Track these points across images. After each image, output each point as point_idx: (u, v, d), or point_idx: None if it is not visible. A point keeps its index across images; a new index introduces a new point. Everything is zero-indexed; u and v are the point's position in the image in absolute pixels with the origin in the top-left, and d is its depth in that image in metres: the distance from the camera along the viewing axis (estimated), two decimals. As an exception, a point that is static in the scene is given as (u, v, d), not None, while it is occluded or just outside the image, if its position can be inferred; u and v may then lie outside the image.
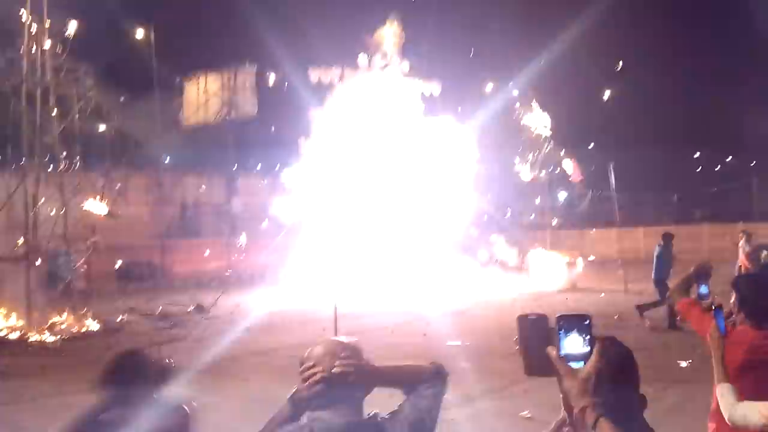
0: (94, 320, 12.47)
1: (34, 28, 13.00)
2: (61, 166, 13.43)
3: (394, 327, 11.65)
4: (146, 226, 25.54)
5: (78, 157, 14.34)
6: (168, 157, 27.88)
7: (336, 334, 10.09)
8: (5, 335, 11.53)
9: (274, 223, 26.44)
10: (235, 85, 28.59)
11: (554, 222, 28.08)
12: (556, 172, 30.44)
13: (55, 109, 13.40)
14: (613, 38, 28.10)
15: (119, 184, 19.22)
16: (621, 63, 26.90)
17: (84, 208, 13.88)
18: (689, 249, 23.87)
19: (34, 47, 13.12)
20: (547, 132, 29.01)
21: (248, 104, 27.65)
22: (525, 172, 28.12)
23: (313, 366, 1.88)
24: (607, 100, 26.72)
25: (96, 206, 14.36)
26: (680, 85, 29.84)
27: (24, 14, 12.85)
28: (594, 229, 26.10)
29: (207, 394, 7.26)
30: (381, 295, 17.94)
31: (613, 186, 17.29)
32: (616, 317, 11.62)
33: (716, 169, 31.86)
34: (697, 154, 31.43)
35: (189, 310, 14.72)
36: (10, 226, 12.96)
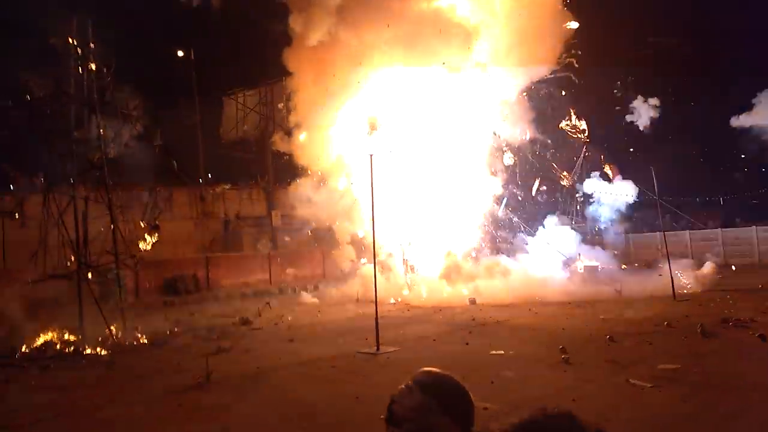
0: (144, 334, 12.83)
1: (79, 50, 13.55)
2: (109, 184, 13.89)
3: (436, 336, 11.60)
4: (190, 240, 26.19)
5: (124, 175, 14.84)
6: (209, 174, 28.58)
7: (378, 346, 10.15)
8: (61, 349, 11.95)
9: (314, 234, 26.78)
10: (273, 100, 29.14)
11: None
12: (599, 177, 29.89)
13: (101, 129, 13.89)
14: (652, 41, 27.58)
15: (163, 201, 19.78)
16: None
17: (130, 225, 14.32)
18: (740, 253, 23.19)
19: (81, 69, 13.65)
20: (584, 137, 28.61)
21: (284, 118, 28.10)
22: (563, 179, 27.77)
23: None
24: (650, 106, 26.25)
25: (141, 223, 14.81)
26: (720, 87, 28.95)
27: (70, 37, 13.40)
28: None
29: (252, 404, 7.41)
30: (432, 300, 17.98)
31: (656, 190, 16.94)
32: (665, 324, 11.30)
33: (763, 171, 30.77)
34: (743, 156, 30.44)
35: (234, 321, 14.98)
36: (62, 243, 13.45)
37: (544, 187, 25.81)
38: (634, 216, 26.76)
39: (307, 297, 19.83)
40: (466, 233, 20.95)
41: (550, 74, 22.58)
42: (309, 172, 22.71)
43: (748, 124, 21.73)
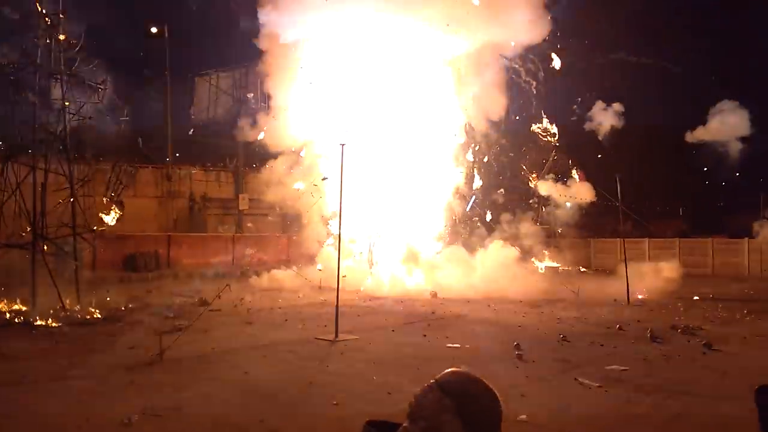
0: (98, 308, 12.59)
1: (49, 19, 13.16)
2: (71, 157, 13.55)
3: (395, 327, 11.69)
4: (154, 218, 25.76)
5: (87, 149, 14.49)
6: (177, 153, 28.11)
7: (337, 334, 10.19)
8: (11, 319, 11.65)
9: (279, 218, 26.64)
10: (246, 83, 28.79)
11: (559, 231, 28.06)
12: (565, 181, 30.42)
13: (67, 102, 13.53)
14: (623, 42, 28.08)
15: (127, 176, 19.39)
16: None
17: (91, 199, 14.01)
18: (694, 263, 23.91)
19: (49, 39, 13.26)
20: (554, 140, 29.09)
21: (257, 102, 27.82)
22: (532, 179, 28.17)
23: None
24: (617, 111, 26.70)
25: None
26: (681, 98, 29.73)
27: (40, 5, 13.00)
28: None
29: (206, 384, 7.37)
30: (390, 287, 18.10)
31: (619, 197, 17.34)
32: (617, 327, 11.61)
33: (723, 185, 31.76)
34: (705, 169, 31.33)
35: (192, 302, 14.81)
36: (18, 214, 13.09)
37: (501, 190, 26.03)
38: (595, 221, 27.33)
39: (262, 281, 19.68)
40: (428, 224, 21.20)
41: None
42: (277, 158, 22.53)
43: (704, 138, 22.21)
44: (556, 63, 24.12)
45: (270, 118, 22.64)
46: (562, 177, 30.68)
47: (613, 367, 8.33)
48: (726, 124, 21.60)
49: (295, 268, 20.27)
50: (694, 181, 32.29)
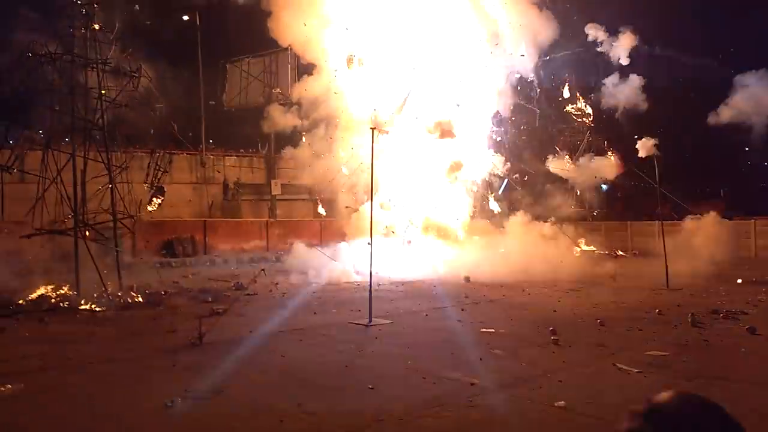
0: (139, 293, 12.92)
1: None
2: (108, 144, 13.83)
3: (429, 311, 11.69)
4: (189, 204, 26.25)
5: (125, 136, 14.77)
6: (211, 140, 28.51)
7: (371, 318, 10.25)
8: (57, 303, 12.05)
9: (313, 202, 26.85)
10: (277, 69, 28.89)
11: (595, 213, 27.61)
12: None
13: (103, 90, 13.78)
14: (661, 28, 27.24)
15: (163, 163, 19.72)
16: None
17: (130, 185, 14.31)
18: (736, 246, 23.21)
19: (85, 28, 13.50)
20: (588, 121, 28.51)
21: (287, 87, 27.93)
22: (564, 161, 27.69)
23: None
24: (655, 91, 25.91)
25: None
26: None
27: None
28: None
29: (244, 367, 7.50)
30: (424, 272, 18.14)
31: (657, 178, 16.82)
32: (657, 311, 11.39)
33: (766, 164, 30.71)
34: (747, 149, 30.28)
35: (229, 286, 15.09)
36: (60, 201, 13.46)
37: (516, 176, 25.65)
38: (633, 204, 26.75)
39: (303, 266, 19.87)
40: (459, 205, 21.17)
41: None
42: (308, 143, 22.69)
43: (726, 119, 21.01)
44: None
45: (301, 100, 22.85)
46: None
47: (653, 352, 8.17)
48: (753, 99, 20.41)
49: (319, 248, 20.35)
50: (735, 161, 31.27)
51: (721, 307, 11.54)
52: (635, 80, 23.79)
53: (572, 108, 28.23)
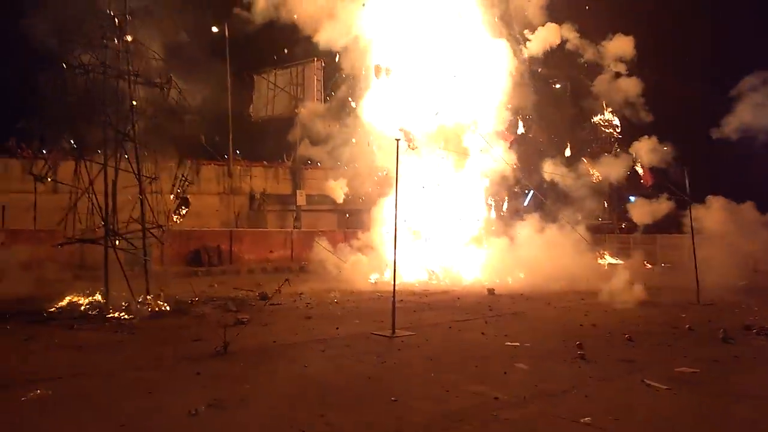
0: (166, 301, 13.11)
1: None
2: (139, 156, 14.11)
3: (452, 324, 11.61)
4: (216, 214, 26.63)
5: (153, 148, 15.02)
6: (237, 150, 28.93)
7: (394, 330, 10.23)
8: (86, 311, 12.30)
9: (337, 214, 27.00)
10: (304, 80, 29.24)
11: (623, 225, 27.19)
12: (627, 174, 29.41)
13: (134, 101, 14.09)
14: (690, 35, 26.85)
15: (191, 174, 20.06)
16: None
17: (158, 196, 14.55)
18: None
19: (118, 40, 13.85)
20: (616, 133, 28.17)
21: (314, 98, 28.24)
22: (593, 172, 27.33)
23: None
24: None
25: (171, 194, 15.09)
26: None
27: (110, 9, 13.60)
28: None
29: (267, 377, 7.54)
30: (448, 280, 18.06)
31: (688, 191, 16.43)
32: (687, 327, 11.13)
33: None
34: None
35: (254, 295, 15.23)
36: (91, 211, 13.75)
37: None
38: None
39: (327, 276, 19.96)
40: (478, 217, 21.15)
41: None
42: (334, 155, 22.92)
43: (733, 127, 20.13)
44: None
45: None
46: (626, 170, 29.60)
47: (683, 368, 7.99)
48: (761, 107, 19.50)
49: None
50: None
51: (754, 324, 11.23)
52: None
53: (600, 119, 27.94)
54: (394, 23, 21.12)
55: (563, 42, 22.56)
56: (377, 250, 20.43)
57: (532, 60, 23.02)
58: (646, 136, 20.48)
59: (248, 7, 23.58)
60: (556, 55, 23.32)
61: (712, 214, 16.79)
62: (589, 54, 23.00)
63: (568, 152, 25.58)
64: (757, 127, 19.08)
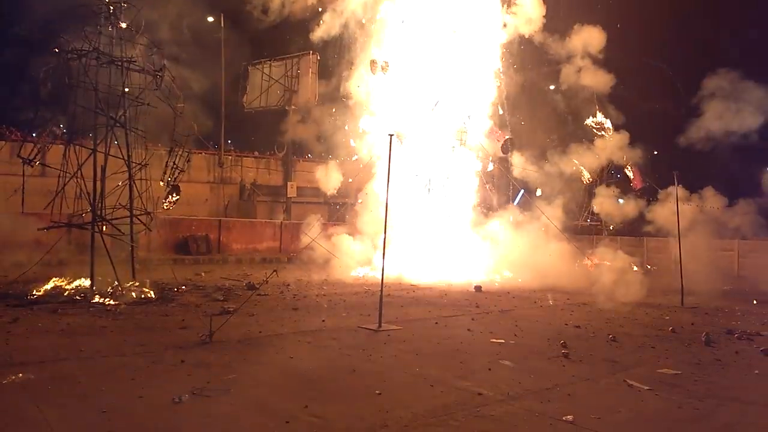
0: (152, 288, 13.04)
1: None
2: (130, 141, 14.01)
3: (439, 319, 11.65)
4: (205, 203, 26.51)
5: (144, 134, 14.91)
6: (229, 140, 28.78)
7: (380, 323, 10.25)
8: (71, 295, 12.21)
9: (328, 206, 26.95)
10: (298, 73, 29.08)
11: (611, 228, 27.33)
12: (617, 177, 29.64)
13: (126, 88, 13.98)
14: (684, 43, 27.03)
15: (182, 162, 19.92)
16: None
17: (148, 182, 14.46)
18: (753, 264, 22.81)
19: (111, 26, 13.73)
20: (608, 136, 28.27)
21: (309, 91, 28.11)
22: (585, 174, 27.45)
23: None
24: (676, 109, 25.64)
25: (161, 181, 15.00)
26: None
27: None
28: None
29: (252, 367, 7.53)
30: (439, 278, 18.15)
31: (677, 195, 16.54)
32: (670, 329, 11.24)
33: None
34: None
35: (241, 285, 15.19)
36: (79, 195, 13.64)
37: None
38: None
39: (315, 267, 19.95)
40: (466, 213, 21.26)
41: None
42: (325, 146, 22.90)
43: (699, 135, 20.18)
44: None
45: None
46: (616, 173, 29.85)
47: (665, 370, 8.07)
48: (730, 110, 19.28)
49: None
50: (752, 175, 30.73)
51: (736, 328, 11.36)
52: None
53: (592, 121, 28.03)
54: (391, 20, 21.15)
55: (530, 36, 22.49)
56: (365, 243, 20.46)
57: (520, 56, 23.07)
58: (614, 133, 20.57)
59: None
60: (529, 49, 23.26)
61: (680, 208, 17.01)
62: (555, 47, 22.86)
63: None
64: (723, 131, 19.28)
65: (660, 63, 29.10)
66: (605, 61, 22.61)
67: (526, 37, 21.93)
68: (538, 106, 25.54)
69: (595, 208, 25.11)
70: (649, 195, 22.13)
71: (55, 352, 7.90)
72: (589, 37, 22.13)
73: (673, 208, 15.71)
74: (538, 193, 23.85)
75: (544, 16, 21.61)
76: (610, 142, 23.77)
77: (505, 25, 21.88)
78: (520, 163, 22.99)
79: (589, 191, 26.52)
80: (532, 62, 23.87)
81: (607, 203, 23.62)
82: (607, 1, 24.83)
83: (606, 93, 24.41)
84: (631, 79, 26.80)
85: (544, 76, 24.04)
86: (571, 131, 25.78)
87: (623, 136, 24.77)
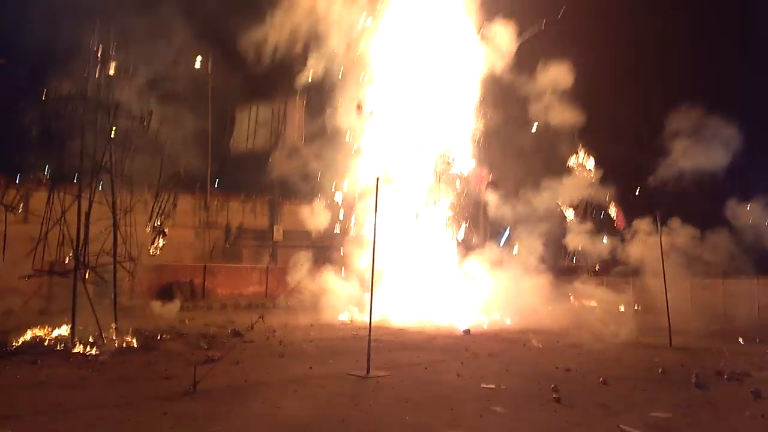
0: (135, 336, 12.77)
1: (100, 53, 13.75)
2: (114, 186, 13.93)
3: (428, 364, 11.49)
4: (190, 247, 26.23)
5: (129, 179, 14.87)
6: (216, 181, 28.75)
7: (369, 370, 10.08)
8: (51, 345, 11.90)
9: (314, 250, 26.80)
10: (285, 116, 29.38)
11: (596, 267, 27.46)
12: (601, 216, 29.92)
13: (112, 132, 13.97)
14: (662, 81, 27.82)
15: (167, 206, 19.82)
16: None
17: (132, 228, 14.32)
18: (736, 304, 22.97)
19: (99, 71, 13.83)
20: (591, 177, 28.70)
21: (296, 134, 28.35)
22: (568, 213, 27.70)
23: None
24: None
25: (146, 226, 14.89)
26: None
27: (92, 41, 13.62)
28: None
29: (238, 418, 7.33)
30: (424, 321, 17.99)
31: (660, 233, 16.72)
32: (660, 371, 11.19)
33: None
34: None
35: (226, 332, 14.94)
36: (62, 241, 13.46)
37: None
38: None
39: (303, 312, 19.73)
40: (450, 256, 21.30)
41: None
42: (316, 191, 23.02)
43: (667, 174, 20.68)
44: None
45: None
46: (599, 212, 30.14)
47: (657, 414, 7.99)
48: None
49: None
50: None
51: (725, 368, 11.34)
52: None
53: (575, 162, 28.44)
54: (378, 63, 21.64)
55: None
56: (352, 287, 20.33)
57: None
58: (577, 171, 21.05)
59: (235, 44, 23.88)
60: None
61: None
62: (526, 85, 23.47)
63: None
64: (692, 168, 19.81)
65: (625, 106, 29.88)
66: (575, 98, 23.30)
67: (498, 74, 22.57)
68: (516, 144, 25.95)
69: (569, 244, 25.34)
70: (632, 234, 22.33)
71: (32, 405, 7.65)
72: (557, 75, 22.79)
73: (646, 245, 15.94)
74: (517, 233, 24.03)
75: (515, 54, 22.37)
76: (580, 178, 24.19)
77: (483, 65, 22.52)
78: (500, 202, 23.22)
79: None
80: (509, 99, 24.36)
81: (578, 239, 23.90)
82: (575, 41, 25.60)
83: (580, 130, 25.03)
84: (603, 117, 27.40)
85: (518, 114, 24.48)
86: (551, 169, 26.08)
87: (596, 173, 25.33)
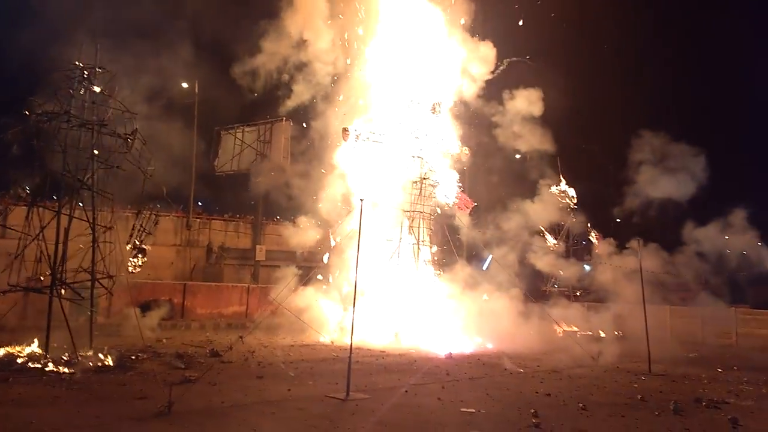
0: (110, 355, 12.54)
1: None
2: (95, 203, 13.81)
3: (408, 387, 11.41)
4: (170, 266, 25.94)
5: (111, 197, 14.75)
6: (200, 202, 28.65)
7: (348, 392, 9.99)
8: (24, 363, 11.64)
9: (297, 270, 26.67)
10: (271, 138, 29.43)
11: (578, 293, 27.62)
12: (583, 243, 30.23)
13: (96, 150, 13.90)
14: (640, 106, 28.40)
15: (149, 224, 19.63)
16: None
17: (112, 245, 14.16)
18: (716, 333, 23.17)
19: (84, 90, 13.80)
20: (572, 203, 29.06)
21: (281, 156, 28.40)
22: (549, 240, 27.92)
23: None
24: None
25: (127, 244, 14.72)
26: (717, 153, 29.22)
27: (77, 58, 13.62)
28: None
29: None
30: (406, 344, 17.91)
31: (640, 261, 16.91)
32: (639, 397, 11.22)
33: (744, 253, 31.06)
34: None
35: (204, 352, 14.73)
36: (39, 258, 13.26)
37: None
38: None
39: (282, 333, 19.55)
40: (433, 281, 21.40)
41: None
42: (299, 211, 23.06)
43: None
44: None
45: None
46: (581, 239, 30.46)
47: (635, 440, 8.00)
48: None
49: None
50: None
51: (703, 396, 11.40)
52: None
53: (556, 190, 28.77)
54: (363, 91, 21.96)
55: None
56: (334, 307, 20.22)
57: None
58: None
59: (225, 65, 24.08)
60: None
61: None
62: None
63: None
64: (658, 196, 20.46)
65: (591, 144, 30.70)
66: (546, 123, 23.84)
67: (470, 99, 23.06)
68: (496, 170, 26.32)
69: (547, 269, 25.57)
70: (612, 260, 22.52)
71: (3, 425, 7.45)
72: (527, 101, 23.32)
73: (613, 270, 16.21)
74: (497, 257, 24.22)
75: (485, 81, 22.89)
76: (559, 204, 24.57)
77: (461, 93, 22.98)
78: (481, 227, 23.44)
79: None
80: (488, 125, 24.75)
81: (557, 264, 24.14)
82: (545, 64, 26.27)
83: (556, 156, 25.54)
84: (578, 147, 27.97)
85: (496, 139, 24.89)
86: (530, 195, 26.38)
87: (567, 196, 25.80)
